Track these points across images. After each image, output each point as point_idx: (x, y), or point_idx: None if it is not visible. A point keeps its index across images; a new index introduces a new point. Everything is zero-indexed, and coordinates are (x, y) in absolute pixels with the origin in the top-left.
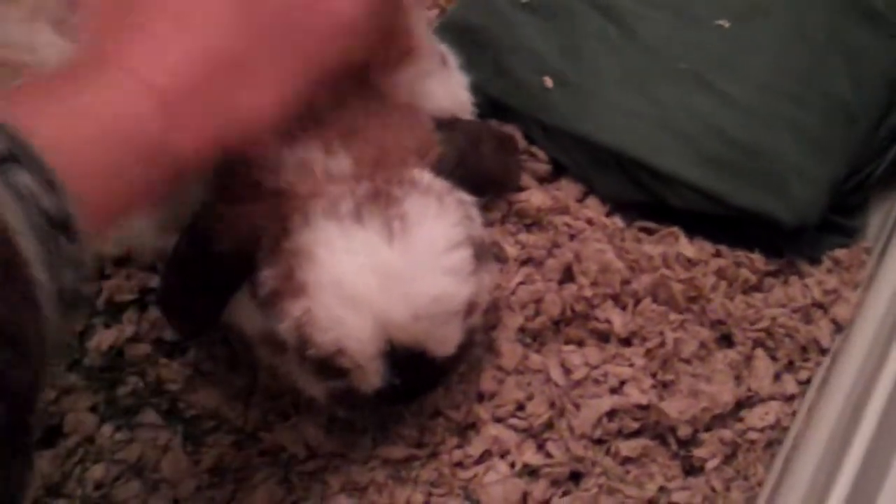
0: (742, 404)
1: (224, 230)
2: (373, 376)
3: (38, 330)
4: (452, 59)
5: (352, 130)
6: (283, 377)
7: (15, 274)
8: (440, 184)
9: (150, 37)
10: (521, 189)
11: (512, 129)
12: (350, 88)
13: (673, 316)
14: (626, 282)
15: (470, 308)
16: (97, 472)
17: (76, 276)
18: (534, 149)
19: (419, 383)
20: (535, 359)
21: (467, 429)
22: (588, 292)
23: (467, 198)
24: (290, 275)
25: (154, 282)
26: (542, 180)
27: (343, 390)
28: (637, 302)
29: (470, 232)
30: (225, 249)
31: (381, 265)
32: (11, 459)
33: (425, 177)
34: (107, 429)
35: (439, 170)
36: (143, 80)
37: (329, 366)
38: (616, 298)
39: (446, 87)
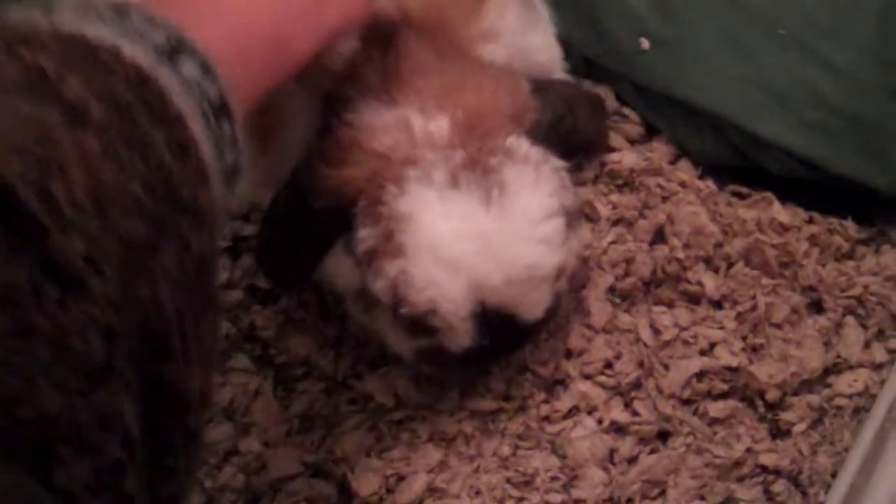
0: (830, 371)
1: (323, 189)
2: (462, 336)
3: (211, 202)
4: (543, 10)
5: (449, 95)
6: (371, 333)
7: (191, 154)
8: (536, 152)
9: None
10: (612, 150)
11: (604, 90)
12: (446, 51)
13: (765, 280)
14: (718, 245)
15: (559, 274)
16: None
17: (235, 154)
18: (626, 110)
19: (506, 344)
20: (625, 318)
21: (555, 384)
22: (680, 254)
23: (560, 164)
24: (388, 236)
25: (247, 230)
26: (634, 142)
27: (431, 349)
28: (730, 265)
29: (563, 201)
30: (323, 207)
31: (478, 231)
32: (204, 312)
33: (522, 145)
34: None
35: (535, 136)
36: None
37: (420, 325)
38: (708, 261)
39: (540, 40)
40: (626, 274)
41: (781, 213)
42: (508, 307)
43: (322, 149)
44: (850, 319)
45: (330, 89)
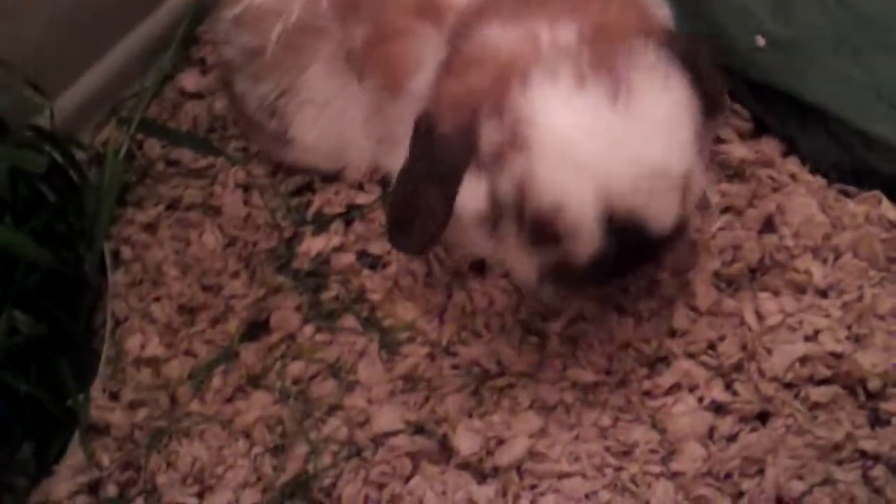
0: None
1: (446, 107)
2: (588, 241)
3: None
4: None
5: (577, 10)
6: (496, 258)
7: None
8: (665, 60)
9: None
10: (722, 141)
11: None
12: None
13: (872, 272)
14: (827, 236)
15: (686, 187)
16: (296, 368)
17: None
18: (736, 106)
19: (634, 255)
20: (730, 303)
21: (657, 361)
22: (789, 242)
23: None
24: (514, 133)
25: (361, 198)
26: (744, 137)
27: (556, 263)
28: (837, 256)
29: (690, 113)
30: (448, 130)
31: (605, 129)
32: None
33: (650, 52)
34: (308, 329)
35: (664, 47)
36: None
37: (545, 230)
38: (816, 251)
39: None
40: (734, 260)
41: (890, 210)
42: (637, 213)
43: (447, 64)
44: None
45: (457, 26)
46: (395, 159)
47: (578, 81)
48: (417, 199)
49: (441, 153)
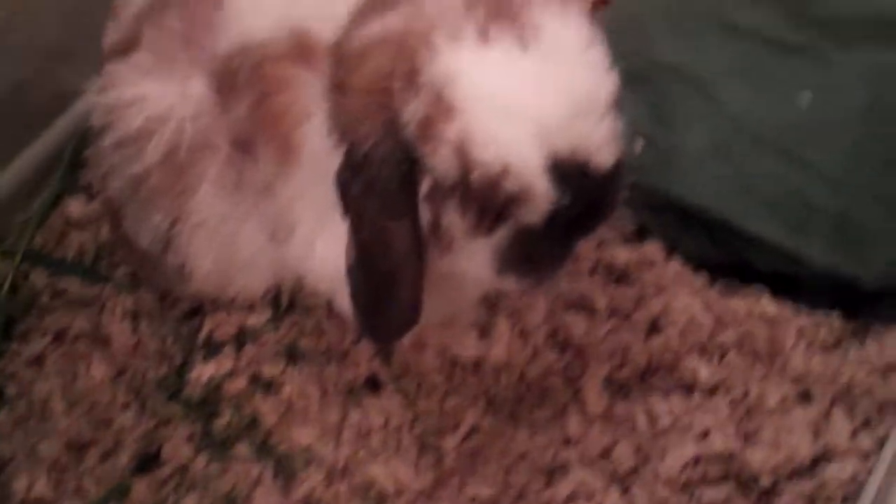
0: (820, 458)
1: (358, 115)
2: (541, 199)
3: None
4: None
5: None
6: (445, 274)
7: None
8: None
9: None
10: (606, 245)
11: None
12: None
13: (757, 367)
14: (711, 335)
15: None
16: (190, 500)
17: None
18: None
19: (587, 202)
20: (621, 406)
21: (554, 471)
22: (675, 343)
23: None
24: (437, 99)
25: (252, 320)
26: (627, 240)
27: (512, 238)
28: (723, 354)
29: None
30: (373, 141)
31: (526, 72)
32: None
33: None
34: (201, 459)
35: None
36: None
37: (494, 199)
38: (702, 350)
39: None
40: (623, 363)
41: (770, 306)
42: (578, 150)
43: (335, 85)
44: (837, 409)
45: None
46: (295, 250)
47: (483, 35)
48: (383, 258)
49: (381, 173)
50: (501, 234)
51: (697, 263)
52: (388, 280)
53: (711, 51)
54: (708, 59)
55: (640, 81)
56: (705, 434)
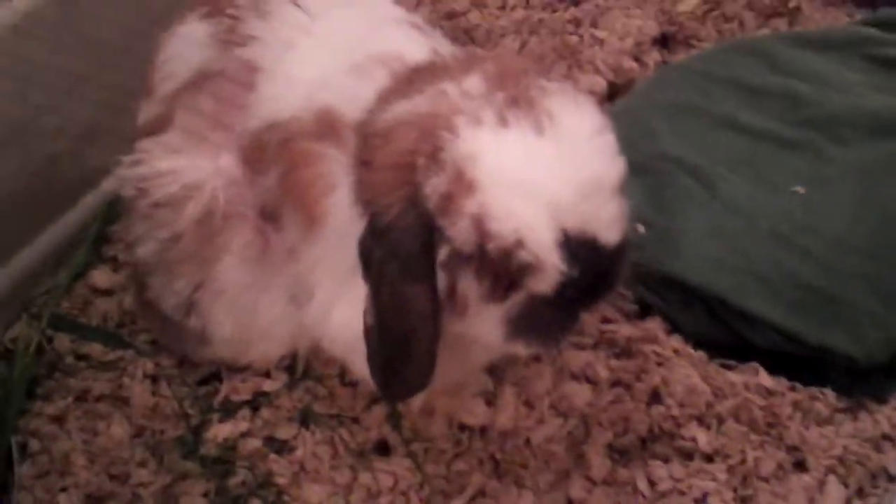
0: None
1: (382, 190)
2: (551, 270)
3: None
4: None
5: (471, 64)
6: (456, 339)
7: None
8: (568, 86)
9: None
10: (610, 322)
11: None
12: None
13: (753, 437)
14: (710, 405)
15: (622, 196)
16: None
17: None
18: (622, 290)
19: (594, 275)
20: (623, 472)
21: None
22: (675, 412)
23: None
24: (458, 176)
25: (267, 386)
26: (630, 318)
27: (523, 307)
28: (721, 423)
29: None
30: (396, 213)
31: (541, 154)
32: None
33: (553, 83)
34: None
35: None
36: None
37: (508, 268)
38: (701, 419)
39: None
40: (625, 431)
41: (767, 380)
42: (588, 227)
43: (363, 160)
44: (832, 478)
45: (360, 130)
46: (314, 313)
47: (502, 119)
48: (400, 320)
49: (403, 240)
50: (513, 301)
51: (697, 340)
52: (404, 341)
53: (711, 145)
54: (708, 153)
55: (643, 172)
56: (704, 497)
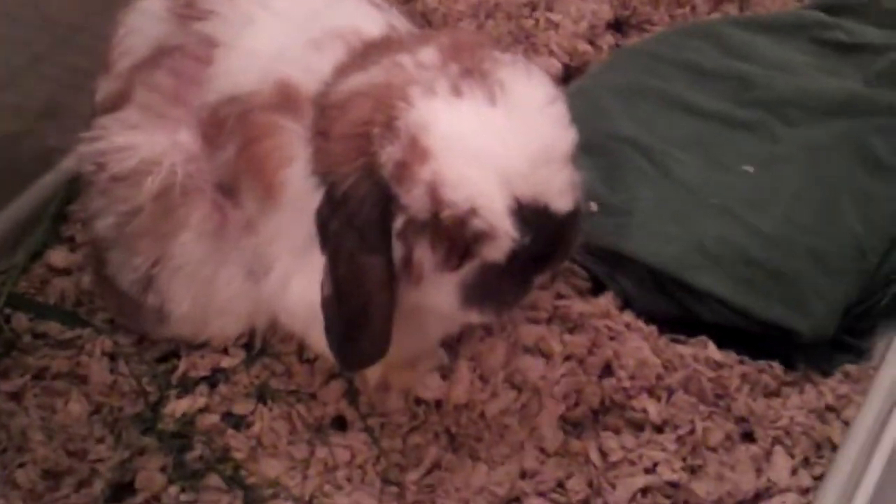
0: (761, 494)
1: (339, 158)
2: (504, 237)
3: None
4: None
5: (427, 38)
6: (412, 309)
7: None
8: (521, 58)
9: None
10: (564, 297)
11: None
12: None
13: (702, 408)
14: (660, 377)
15: (574, 158)
16: None
17: None
18: (575, 267)
19: (547, 243)
20: (575, 443)
21: (510, 502)
22: (626, 384)
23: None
24: (413, 144)
25: (225, 362)
26: (583, 294)
27: (477, 274)
28: (670, 394)
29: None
30: (352, 181)
31: (493, 124)
32: None
33: (507, 55)
34: (173, 489)
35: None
36: None
37: (462, 236)
38: (651, 391)
39: None
40: (577, 403)
41: (716, 353)
42: (540, 195)
43: (320, 130)
44: (778, 448)
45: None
46: (271, 287)
47: (455, 90)
48: (357, 290)
49: (360, 209)
50: (467, 269)
51: (649, 316)
52: (361, 310)
53: (663, 125)
54: (659, 133)
55: (596, 151)
56: (654, 467)
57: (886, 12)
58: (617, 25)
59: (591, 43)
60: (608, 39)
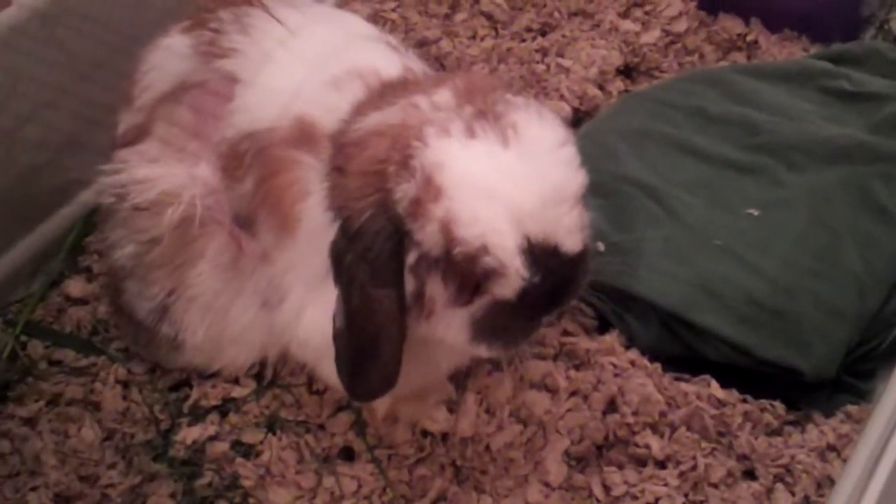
0: None
1: (354, 194)
2: (514, 276)
3: None
4: None
5: (442, 80)
6: (421, 343)
7: None
8: (533, 101)
9: None
10: (570, 335)
11: None
12: None
13: (704, 444)
14: (663, 413)
15: (583, 200)
16: None
17: None
18: (582, 305)
19: (556, 281)
20: (579, 477)
21: None
22: (630, 420)
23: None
24: (427, 182)
25: (237, 392)
26: (589, 332)
27: (487, 310)
28: (673, 431)
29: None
30: (367, 216)
31: (505, 164)
32: None
33: (519, 98)
34: None
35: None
36: None
37: (473, 273)
38: (654, 427)
39: None
40: (582, 438)
41: (719, 391)
42: (549, 235)
43: (336, 167)
44: (779, 486)
45: (335, 139)
46: (284, 317)
47: (469, 130)
48: (368, 322)
49: (373, 244)
50: (477, 305)
51: (653, 354)
52: (372, 342)
53: (670, 168)
54: (667, 175)
55: (605, 192)
56: (656, 502)
57: (890, 63)
58: (626, 71)
59: (601, 88)
60: (617, 84)
